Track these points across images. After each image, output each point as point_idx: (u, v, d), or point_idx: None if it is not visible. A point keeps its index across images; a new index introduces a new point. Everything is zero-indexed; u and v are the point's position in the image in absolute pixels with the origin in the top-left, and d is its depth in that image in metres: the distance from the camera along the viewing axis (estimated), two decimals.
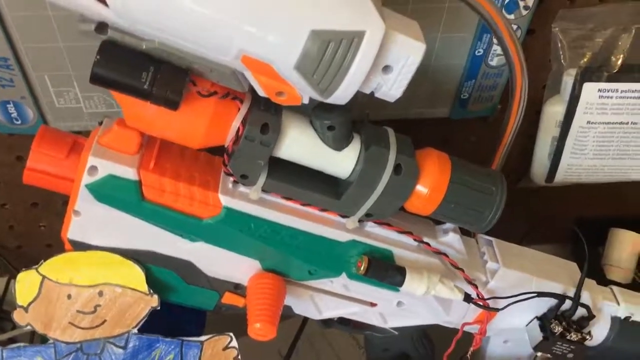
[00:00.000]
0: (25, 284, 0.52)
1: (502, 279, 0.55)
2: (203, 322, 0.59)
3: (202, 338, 0.54)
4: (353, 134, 0.48)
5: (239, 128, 0.45)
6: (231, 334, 0.55)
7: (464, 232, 0.57)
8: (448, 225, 0.55)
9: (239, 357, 0.55)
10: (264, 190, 0.49)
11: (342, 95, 0.42)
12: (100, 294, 0.52)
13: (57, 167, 0.48)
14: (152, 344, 0.54)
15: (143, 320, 0.53)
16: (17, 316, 0.52)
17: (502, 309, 0.54)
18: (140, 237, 0.50)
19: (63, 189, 0.49)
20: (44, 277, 0.51)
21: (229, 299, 0.54)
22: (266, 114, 0.45)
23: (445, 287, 0.52)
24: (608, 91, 0.65)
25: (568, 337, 0.55)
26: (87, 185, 0.47)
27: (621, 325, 0.58)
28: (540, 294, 0.54)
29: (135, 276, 0.52)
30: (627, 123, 0.68)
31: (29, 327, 0.52)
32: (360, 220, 0.51)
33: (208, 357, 0.55)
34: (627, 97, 0.66)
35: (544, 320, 0.56)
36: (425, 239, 0.53)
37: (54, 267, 0.52)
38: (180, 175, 0.49)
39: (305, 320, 0.68)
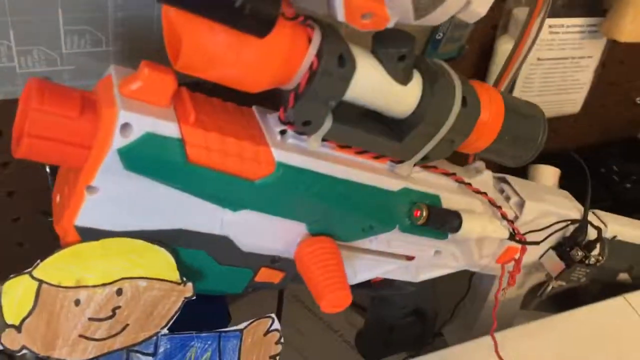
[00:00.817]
0: (15, 295, 0.35)
1: (529, 212, 0.49)
2: (227, 310, 0.45)
3: (241, 326, 0.42)
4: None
5: (312, 62, 0.33)
6: (273, 315, 0.42)
7: None
8: (479, 164, 0.48)
9: (282, 340, 0.43)
10: (322, 139, 0.38)
11: (438, 16, 0.33)
12: (119, 292, 0.37)
13: (67, 130, 0.32)
14: (185, 343, 0.40)
15: (175, 316, 0.39)
16: (7, 339, 0.35)
17: (542, 241, 0.48)
18: (172, 213, 0.36)
19: (72, 161, 0.33)
20: (40, 282, 0.35)
21: (264, 275, 0.42)
22: (341, 44, 0.34)
23: (494, 225, 0.45)
24: (556, 27, 0.62)
25: (587, 262, 0.51)
26: (120, 149, 0.32)
27: (609, 244, 0.56)
28: (573, 222, 0.50)
29: (163, 263, 0.38)
30: (568, 58, 0.65)
31: (25, 352, 0.36)
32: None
33: (248, 346, 0.42)
34: (570, 32, 0.63)
35: (561, 249, 0.52)
36: (465, 180, 0.46)
37: (54, 267, 0.35)
38: (224, 129, 0.36)
39: None
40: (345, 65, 0.32)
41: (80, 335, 0.35)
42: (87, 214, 0.32)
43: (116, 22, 0.40)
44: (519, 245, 0.48)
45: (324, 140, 0.36)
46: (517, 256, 0.46)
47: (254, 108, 0.38)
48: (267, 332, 0.41)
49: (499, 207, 0.44)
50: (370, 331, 0.55)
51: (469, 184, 0.43)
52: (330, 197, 0.37)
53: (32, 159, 0.31)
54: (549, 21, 0.61)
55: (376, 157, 0.39)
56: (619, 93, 0.76)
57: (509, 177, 0.49)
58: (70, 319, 0.34)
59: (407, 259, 0.45)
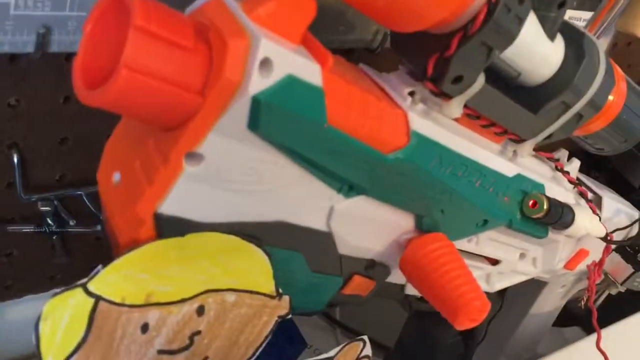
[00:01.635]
0: (60, 320, 0.23)
1: (607, 209, 0.45)
2: (299, 333, 0.35)
3: (331, 353, 0.32)
4: None
5: None
6: (365, 337, 0.33)
7: None
8: (562, 153, 0.42)
9: None
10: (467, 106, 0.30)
11: None
12: (201, 310, 0.26)
13: (180, 65, 0.21)
14: None
15: (264, 344, 0.29)
16: None
17: (628, 241, 0.44)
18: (278, 198, 0.27)
19: (173, 113, 0.22)
20: (98, 298, 0.24)
21: (355, 286, 0.33)
22: None
23: (596, 222, 0.40)
24: (575, 19, 0.60)
25: None
26: (257, 95, 0.22)
27: None
28: None
29: (258, 269, 0.28)
30: None
31: None
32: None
33: None
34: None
35: (625, 252, 0.48)
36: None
37: (119, 276, 0.24)
38: (361, 85, 0.27)
39: None
40: (525, 2, 0.25)
41: None
42: (180, 196, 0.22)
43: None
44: (589, 248, 0.43)
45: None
46: (595, 259, 0.41)
47: (362, 66, 0.29)
48: (358, 357, 0.31)
49: (589, 201, 0.39)
50: (405, 355, 0.47)
51: (567, 173, 0.37)
52: (458, 181, 0.30)
53: (114, 108, 0.20)
54: (570, 13, 0.57)
55: (499, 134, 0.32)
56: None
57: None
58: (134, 352, 0.24)
59: (491, 264, 0.38)
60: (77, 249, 0.44)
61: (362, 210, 0.28)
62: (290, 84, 0.22)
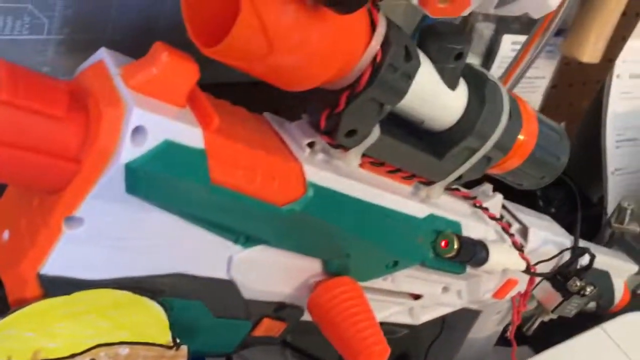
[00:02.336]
0: None
1: (534, 240, 0.45)
2: None
3: None
4: None
5: (376, 54, 0.26)
6: None
7: None
8: (486, 187, 0.43)
9: None
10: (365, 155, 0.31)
11: (523, 4, 0.28)
12: None
13: (50, 135, 0.22)
14: None
15: None
16: None
17: (552, 273, 0.45)
18: (172, 252, 0.27)
19: (50, 180, 0.23)
20: None
21: (264, 328, 0.33)
22: (404, 34, 0.28)
23: (515, 256, 0.41)
24: (518, 44, 0.61)
25: (583, 293, 0.48)
26: (130, 163, 0.23)
27: None
28: (575, 250, 0.47)
29: (152, 321, 0.28)
30: (524, 78, 0.64)
31: None
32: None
33: None
34: None
35: (555, 280, 0.48)
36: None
37: (3, 336, 0.25)
38: (249, 140, 0.28)
39: None
40: (412, 60, 0.26)
41: None
42: (61, 256, 0.23)
43: (66, 1, 0.31)
44: (517, 277, 0.44)
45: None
46: (522, 289, 0.42)
47: (266, 115, 0.30)
48: None
49: (512, 235, 0.40)
50: None
51: (486, 209, 0.38)
52: (361, 226, 0.31)
53: None
54: (512, 37, 0.58)
55: (406, 178, 0.32)
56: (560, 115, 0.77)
57: (505, 201, 0.45)
58: None
59: (414, 299, 0.39)
60: None
61: (264, 258, 0.29)
62: (167, 149, 0.22)
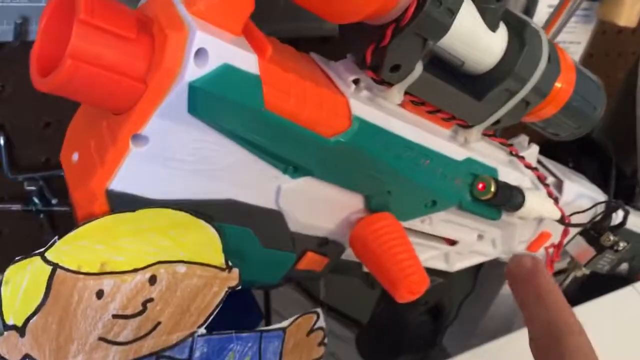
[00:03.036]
0: (19, 285, 0.26)
1: (568, 193, 0.46)
2: (257, 304, 0.38)
3: (285, 323, 0.35)
4: None
5: None
6: (318, 310, 0.36)
7: None
8: (522, 138, 0.44)
9: (326, 340, 0.37)
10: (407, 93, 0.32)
11: None
12: (153, 280, 0.29)
13: (122, 54, 0.24)
14: (224, 345, 0.32)
15: (215, 313, 0.31)
16: (6, 345, 0.26)
17: (588, 224, 0.46)
18: (226, 178, 0.29)
19: (119, 99, 0.25)
20: (55, 266, 0.27)
21: (308, 261, 0.35)
22: None
23: (550, 205, 0.42)
24: (554, 6, 0.61)
25: (616, 248, 0.49)
26: (193, 82, 0.25)
27: None
28: (609, 204, 0.47)
29: (208, 243, 0.30)
30: (560, 42, 0.64)
31: None
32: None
33: (291, 347, 0.35)
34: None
35: (588, 235, 0.49)
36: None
37: (74, 246, 0.27)
38: (301, 71, 0.29)
39: None
40: None
41: (101, 338, 0.27)
42: (128, 174, 0.25)
43: None
44: (551, 231, 0.45)
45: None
46: (555, 241, 0.43)
47: (312, 54, 0.32)
48: (311, 330, 0.34)
49: (547, 186, 0.41)
50: (377, 331, 0.50)
51: (522, 158, 0.39)
52: (403, 164, 0.32)
53: (66, 92, 0.23)
54: (548, 0, 0.59)
55: (447, 119, 0.34)
56: None
57: (540, 156, 0.46)
58: (90, 316, 0.26)
59: (449, 244, 0.41)
60: (64, 227, 0.47)
61: (310, 190, 0.31)
62: (226, 72, 0.24)
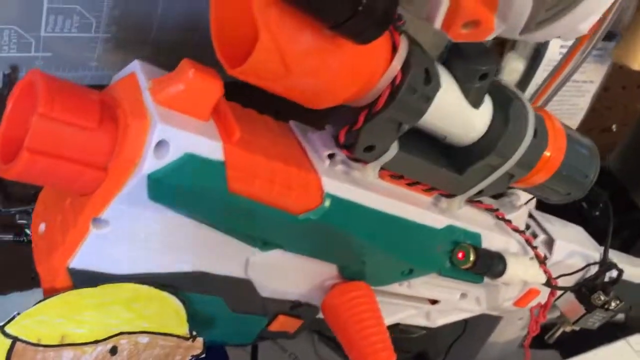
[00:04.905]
0: None
1: (559, 253, 0.46)
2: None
3: None
4: None
5: (396, 76, 0.27)
6: None
7: None
8: (514, 198, 0.44)
9: None
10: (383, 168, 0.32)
11: (550, 31, 0.28)
12: (114, 351, 0.29)
13: (82, 145, 0.24)
14: None
15: None
16: None
17: (572, 288, 0.45)
18: (194, 254, 0.29)
19: (80, 185, 0.25)
20: (14, 339, 0.27)
21: (280, 324, 0.35)
22: (426, 57, 0.28)
23: (534, 270, 0.41)
24: (566, 47, 0.60)
25: (607, 307, 0.48)
26: (152, 174, 0.24)
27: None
28: (601, 265, 0.46)
29: (172, 314, 0.30)
30: (571, 81, 0.63)
31: None
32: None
33: None
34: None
35: (580, 292, 0.48)
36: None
37: (34, 320, 0.27)
38: (269, 151, 0.29)
39: None
40: (431, 82, 0.27)
41: None
42: (88, 253, 0.25)
43: (114, 2, 0.32)
44: (540, 287, 0.44)
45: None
46: (538, 302, 0.43)
47: (291, 124, 0.31)
48: None
49: (535, 248, 0.40)
50: None
51: (509, 222, 0.39)
52: (377, 236, 0.32)
53: (26, 180, 0.23)
54: (559, 41, 0.57)
55: (427, 190, 0.33)
56: (598, 120, 0.75)
57: (533, 210, 0.46)
58: None
59: (430, 303, 0.40)
60: None
61: (280, 261, 0.31)
62: (188, 161, 0.24)
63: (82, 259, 0.25)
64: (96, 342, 0.27)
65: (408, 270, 0.35)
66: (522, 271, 0.37)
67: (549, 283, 0.40)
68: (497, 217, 0.38)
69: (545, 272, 0.40)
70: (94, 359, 0.27)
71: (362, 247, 0.31)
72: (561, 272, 0.43)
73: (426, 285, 0.38)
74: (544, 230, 0.44)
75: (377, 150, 0.29)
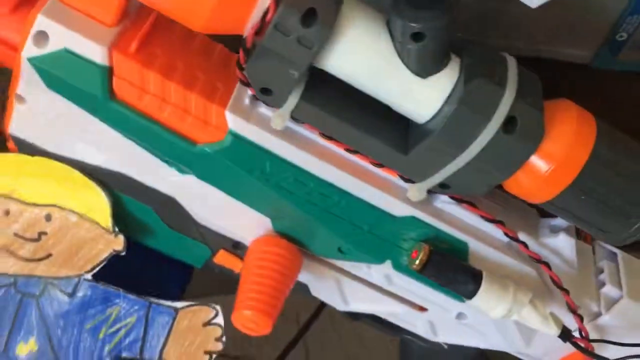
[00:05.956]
0: None
1: (622, 313, 0.34)
2: (187, 279, 0.40)
3: (178, 304, 0.36)
4: (451, 56, 0.27)
5: (268, 8, 0.25)
6: (218, 307, 0.36)
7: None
8: (560, 221, 0.34)
9: (224, 338, 0.37)
10: (293, 118, 0.29)
11: None
12: (48, 217, 0.34)
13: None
14: (109, 298, 0.36)
15: (100, 266, 0.35)
16: None
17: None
18: (112, 152, 0.31)
19: (6, 61, 0.30)
20: None
21: (223, 259, 0.36)
22: None
23: (535, 313, 0.32)
24: None
25: None
26: (31, 59, 0.28)
27: None
28: None
29: (98, 205, 0.34)
30: None
31: None
32: (430, 191, 0.31)
33: (183, 329, 0.36)
34: None
35: None
36: (522, 237, 0.33)
37: None
38: (176, 71, 0.30)
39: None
40: (313, 26, 0.23)
41: (4, 247, 0.33)
42: (19, 123, 0.30)
43: None
44: None
45: (298, 120, 0.28)
46: None
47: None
48: (208, 323, 0.35)
49: (566, 291, 0.31)
50: None
51: (523, 244, 0.31)
52: (296, 197, 0.29)
53: None
54: None
55: (377, 165, 0.29)
56: None
57: (621, 255, 0.35)
58: None
59: (419, 309, 0.35)
60: None
61: (200, 189, 0.31)
62: (66, 56, 0.27)
63: (16, 128, 0.30)
64: (35, 204, 0.33)
65: (347, 249, 0.31)
66: (507, 306, 0.30)
67: (567, 338, 0.31)
68: (506, 235, 0.31)
69: (581, 329, 0.32)
70: (32, 219, 0.33)
71: (280, 204, 0.30)
72: (614, 337, 0.32)
73: (404, 284, 0.33)
74: (619, 282, 0.34)
75: (276, 96, 0.27)
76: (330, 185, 0.29)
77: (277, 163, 0.29)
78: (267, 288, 0.29)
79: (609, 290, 0.33)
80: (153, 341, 0.35)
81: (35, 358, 0.34)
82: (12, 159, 0.32)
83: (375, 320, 0.38)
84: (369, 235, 0.30)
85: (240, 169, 0.29)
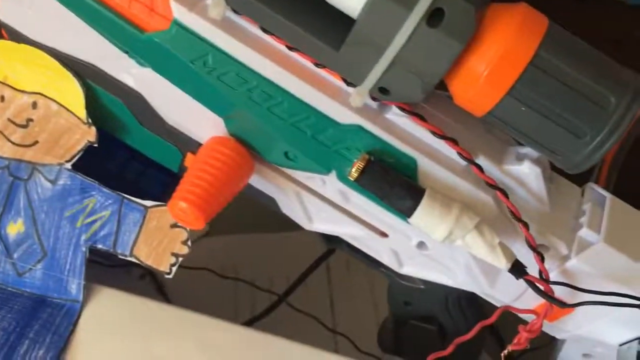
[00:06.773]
0: None
1: (594, 258, 0.31)
2: (168, 181, 0.41)
3: (148, 203, 0.37)
4: None
5: None
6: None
7: (571, 177, 0.32)
8: (529, 150, 0.31)
9: (189, 242, 0.37)
10: (233, 9, 0.29)
11: None
12: (34, 105, 0.36)
13: None
14: (86, 189, 0.38)
15: (78, 155, 0.37)
16: None
17: (573, 305, 0.30)
18: (79, 41, 0.33)
19: None
20: None
21: (189, 162, 0.36)
22: None
23: (481, 239, 0.29)
24: None
25: None
26: None
27: None
28: None
29: (74, 95, 0.35)
30: None
31: None
32: (374, 99, 0.30)
33: (152, 228, 0.37)
34: None
35: None
36: (481, 160, 0.30)
37: None
38: None
39: (332, 250, 0.49)
40: None
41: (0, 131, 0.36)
42: (6, 10, 0.32)
43: None
44: None
45: (236, 12, 0.28)
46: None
47: None
48: (175, 225, 0.36)
49: (524, 224, 0.28)
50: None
51: (478, 166, 0.29)
52: (238, 93, 0.29)
53: None
54: None
55: (318, 65, 0.28)
56: None
57: (610, 199, 0.31)
58: None
59: (380, 234, 0.34)
60: None
61: (159, 84, 0.32)
62: None
63: (3, 14, 0.33)
64: (23, 92, 0.35)
65: (293, 155, 0.31)
66: (448, 226, 0.28)
67: (518, 272, 0.29)
68: (460, 154, 0.29)
69: (541, 270, 0.29)
70: (21, 106, 0.35)
71: (225, 100, 0.30)
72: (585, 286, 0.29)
73: (363, 202, 0.33)
74: (599, 225, 0.30)
75: None
76: (272, 84, 0.29)
77: (218, 56, 0.29)
78: (206, 184, 0.30)
79: (585, 233, 0.30)
80: (125, 236, 0.36)
81: (22, 239, 0.37)
82: (4, 45, 0.34)
83: (351, 249, 0.37)
84: (313, 141, 0.29)
85: (185, 59, 0.29)
